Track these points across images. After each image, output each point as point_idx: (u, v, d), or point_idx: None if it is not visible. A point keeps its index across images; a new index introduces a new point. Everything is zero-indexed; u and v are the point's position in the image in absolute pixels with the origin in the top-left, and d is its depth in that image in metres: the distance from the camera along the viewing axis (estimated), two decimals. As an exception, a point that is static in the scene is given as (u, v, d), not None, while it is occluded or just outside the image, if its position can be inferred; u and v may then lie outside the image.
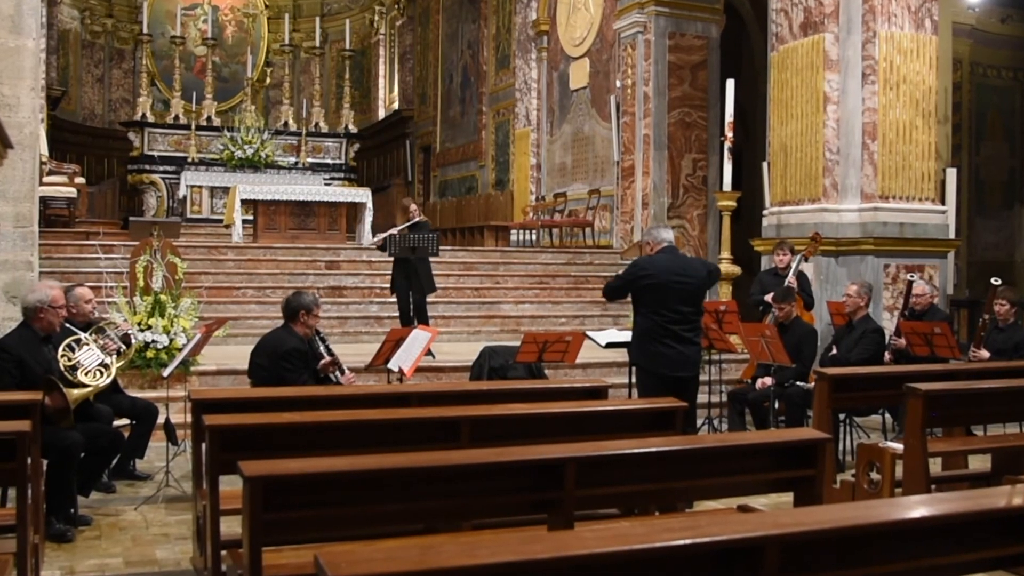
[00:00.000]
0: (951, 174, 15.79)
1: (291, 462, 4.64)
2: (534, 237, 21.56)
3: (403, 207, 14.00)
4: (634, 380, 9.82)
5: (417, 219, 13.60)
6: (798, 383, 10.10)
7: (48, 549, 6.89)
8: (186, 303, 11.47)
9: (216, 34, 29.16)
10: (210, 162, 25.48)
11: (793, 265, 11.79)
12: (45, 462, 7.02)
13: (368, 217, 19.36)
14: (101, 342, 7.99)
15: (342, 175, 26.72)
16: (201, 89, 27.04)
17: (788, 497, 5.39)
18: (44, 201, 17.98)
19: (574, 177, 20.95)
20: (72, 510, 7.40)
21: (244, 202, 19.09)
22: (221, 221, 22.13)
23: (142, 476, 8.98)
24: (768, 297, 11.45)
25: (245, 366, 9.07)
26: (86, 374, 7.69)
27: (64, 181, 19.42)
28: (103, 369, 7.82)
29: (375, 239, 15.79)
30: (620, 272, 8.89)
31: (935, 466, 8.22)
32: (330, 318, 13.84)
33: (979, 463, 9.01)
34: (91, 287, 9.22)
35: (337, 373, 8.97)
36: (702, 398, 9.49)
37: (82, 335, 7.91)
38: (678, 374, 8.33)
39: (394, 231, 13.66)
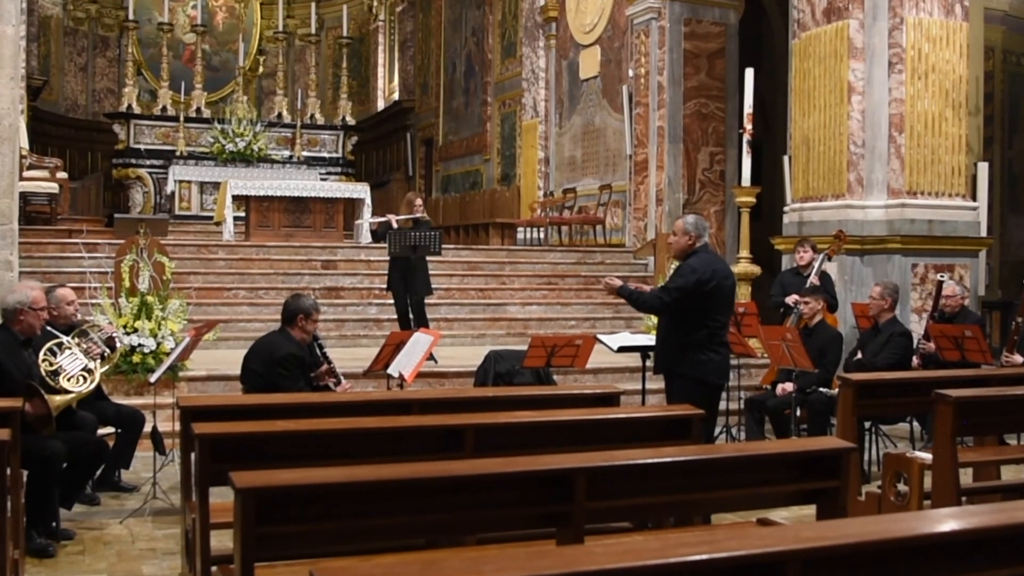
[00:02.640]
0: (983, 168, 15.76)
1: (285, 473, 4.64)
2: (542, 235, 21.57)
3: (407, 200, 13.99)
4: (649, 386, 9.84)
5: (419, 215, 13.59)
6: (821, 389, 10.09)
7: (29, 565, 6.90)
8: (174, 305, 11.48)
9: (206, 20, 29.18)
10: (199, 156, 25.51)
11: (816, 265, 11.78)
12: (25, 473, 7.03)
13: (367, 214, 19.38)
14: (84, 346, 8.00)
15: (339, 170, 26.76)
16: (190, 79, 27.06)
17: (810, 510, 5.39)
18: (24, 197, 17.98)
19: (584, 172, 20.96)
20: (54, 524, 7.42)
21: (235, 198, 19.13)
22: (211, 218, 22.14)
23: (128, 488, 8.99)
24: (790, 299, 11.45)
25: (237, 371, 9.09)
26: (68, 379, 7.70)
27: (45, 176, 19.44)
28: (86, 374, 7.83)
29: (373, 219, 15.84)
30: (676, 283, 8.19)
31: (966, 477, 8.22)
32: (327, 320, 13.82)
33: (1012, 474, 9.00)
34: (74, 288, 9.23)
35: (332, 383, 8.98)
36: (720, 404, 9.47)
37: (64, 338, 7.92)
38: (722, 381, 8.34)
39: (393, 218, 13.64)
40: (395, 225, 13.47)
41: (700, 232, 8.28)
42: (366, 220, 18.28)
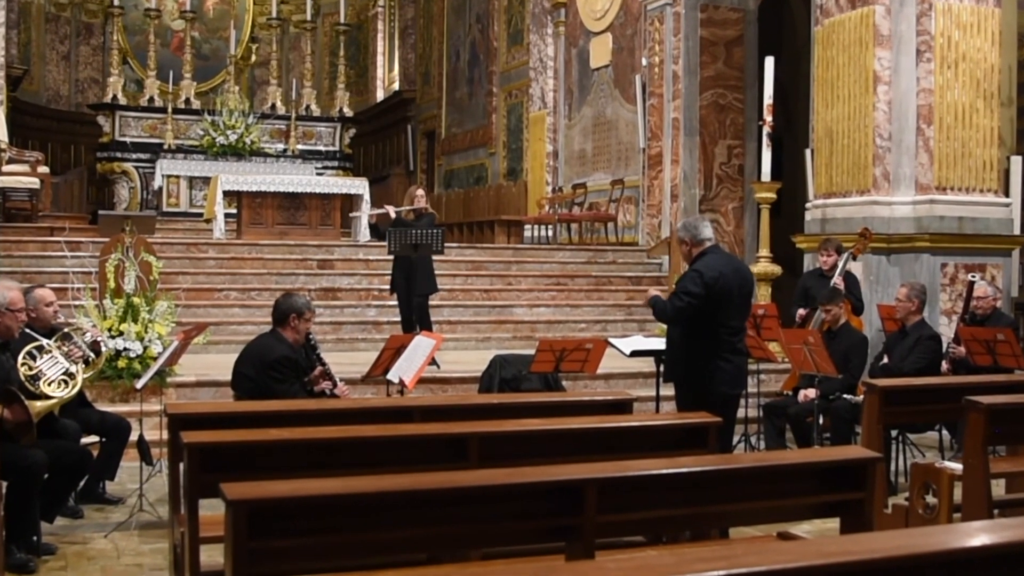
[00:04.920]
0: (1016, 162, 15.73)
1: (279, 484, 4.65)
2: (550, 233, 21.57)
3: (408, 194, 14.02)
4: (664, 393, 9.83)
5: (421, 206, 13.57)
6: (845, 396, 10.08)
7: (9, 581, 6.91)
8: (162, 307, 11.48)
9: (195, 6, 29.12)
10: (189, 149, 25.47)
11: (840, 264, 11.76)
12: (4, 484, 7.03)
13: (364, 206, 19.37)
14: (66, 349, 8.00)
15: (336, 164, 26.72)
16: (179, 68, 27.01)
17: (834, 523, 5.39)
18: (3, 193, 18.06)
19: (595, 166, 20.96)
20: (35, 537, 7.41)
21: (227, 194, 19.12)
22: (201, 215, 22.12)
23: (113, 500, 8.99)
24: (799, 314, 11.48)
25: (227, 376, 9.09)
26: (49, 384, 7.70)
27: (26, 170, 19.47)
28: (68, 378, 7.82)
29: (371, 212, 15.87)
30: (683, 287, 8.16)
31: (998, 488, 8.21)
32: (323, 323, 13.84)
33: (1048, 486, 8.99)
34: (56, 288, 9.24)
35: (328, 386, 8.97)
36: (738, 413, 9.48)
37: (44, 342, 7.92)
38: (734, 392, 8.31)
39: (391, 209, 13.67)
40: (393, 215, 13.49)
41: (694, 233, 8.29)
42: (364, 213, 18.26)
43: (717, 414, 6.96)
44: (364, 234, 19.04)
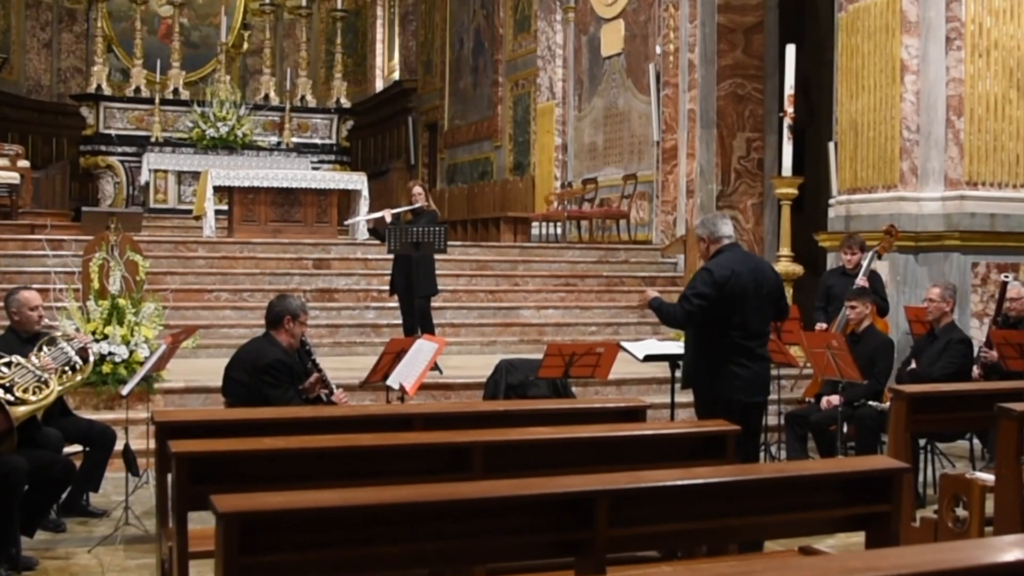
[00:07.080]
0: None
1: (273, 496, 4.65)
2: (559, 231, 21.54)
3: (407, 190, 14.01)
4: (679, 400, 9.82)
5: (420, 205, 13.55)
6: (871, 403, 10.07)
7: (-13, 597, 6.92)
8: (149, 308, 11.48)
9: (184, -9, 29.22)
10: (177, 142, 25.45)
11: (864, 264, 11.76)
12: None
13: (363, 207, 19.38)
14: (40, 361, 7.98)
15: (333, 157, 26.73)
16: (166, 56, 26.99)
17: (859, 537, 5.39)
18: (-18, 188, 18.05)
19: (606, 160, 20.94)
20: (14, 552, 7.42)
21: (217, 189, 19.12)
22: (190, 212, 22.14)
23: (97, 512, 8.99)
24: (819, 325, 11.47)
25: (218, 382, 9.09)
26: (24, 391, 7.69)
27: (5, 165, 19.49)
28: (42, 385, 7.80)
29: (368, 216, 15.86)
30: (693, 289, 8.18)
31: (1033, 501, 8.20)
32: (319, 326, 13.86)
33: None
34: (37, 289, 9.23)
35: (324, 393, 8.97)
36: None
37: (13, 357, 7.89)
38: (754, 399, 8.27)
39: (387, 212, 13.67)
40: (390, 219, 13.47)
41: (712, 230, 8.26)
42: (360, 219, 18.22)
43: (736, 423, 6.94)
44: (363, 232, 19.03)
